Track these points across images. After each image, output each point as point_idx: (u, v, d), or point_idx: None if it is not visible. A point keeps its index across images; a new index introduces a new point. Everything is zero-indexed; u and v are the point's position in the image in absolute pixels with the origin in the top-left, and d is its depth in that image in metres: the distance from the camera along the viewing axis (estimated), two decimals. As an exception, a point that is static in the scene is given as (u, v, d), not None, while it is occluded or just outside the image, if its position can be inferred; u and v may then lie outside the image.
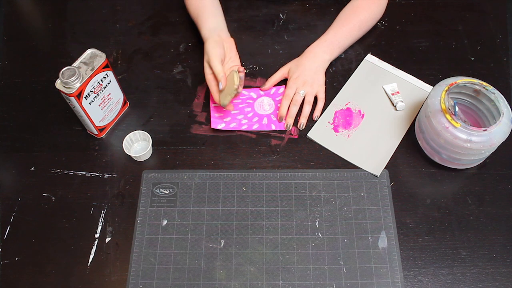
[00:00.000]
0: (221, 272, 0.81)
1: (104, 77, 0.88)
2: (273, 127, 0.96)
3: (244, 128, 0.95)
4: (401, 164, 0.91)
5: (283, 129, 0.95)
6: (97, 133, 0.94)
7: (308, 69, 0.98)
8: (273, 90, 1.01)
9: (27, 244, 0.84)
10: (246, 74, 1.00)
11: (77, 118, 0.91)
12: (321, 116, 0.97)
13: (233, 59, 0.96)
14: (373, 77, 1.02)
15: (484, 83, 0.86)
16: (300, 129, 0.95)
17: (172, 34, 1.10)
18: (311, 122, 0.96)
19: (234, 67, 0.95)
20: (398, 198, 0.87)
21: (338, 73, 1.03)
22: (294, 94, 0.97)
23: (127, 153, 0.91)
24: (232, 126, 0.95)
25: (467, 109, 0.91)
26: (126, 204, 0.88)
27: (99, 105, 0.91)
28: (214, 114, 0.96)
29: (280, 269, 0.81)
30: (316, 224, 0.85)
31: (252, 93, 1.00)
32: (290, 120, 0.95)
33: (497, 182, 0.89)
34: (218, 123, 0.95)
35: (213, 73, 0.91)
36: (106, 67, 0.88)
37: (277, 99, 0.99)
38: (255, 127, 0.95)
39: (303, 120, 0.95)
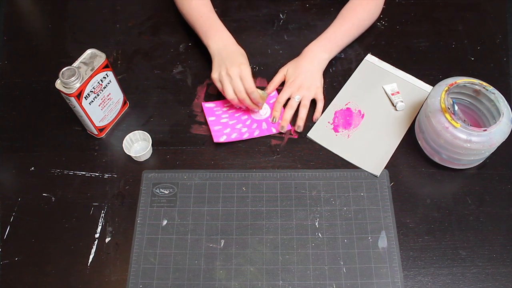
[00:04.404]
0: (221, 272, 0.81)
1: (104, 77, 0.88)
2: (274, 131, 0.95)
3: (245, 137, 0.94)
4: (401, 164, 0.91)
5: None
6: (97, 133, 0.94)
7: (305, 72, 0.97)
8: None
9: (27, 244, 0.84)
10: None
11: (77, 118, 0.91)
12: (321, 116, 0.97)
13: None
14: (373, 77, 1.02)
15: (484, 83, 0.86)
16: (298, 131, 0.95)
17: (172, 34, 1.10)
18: (311, 122, 0.96)
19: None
20: (398, 198, 0.87)
21: (338, 73, 1.03)
22: (289, 99, 0.97)
23: (127, 153, 0.91)
24: (234, 136, 0.93)
25: (467, 109, 0.91)
26: (126, 204, 0.88)
27: (99, 105, 0.91)
28: (213, 128, 0.94)
29: (280, 269, 0.81)
30: (316, 224, 0.85)
31: None
32: (284, 123, 0.95)
33: (497, 182, 0.89)
34: (220, 136, 0.93)
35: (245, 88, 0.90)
36: (106, 67, 0.88)
37: (271, 102, 0.99)
38: (256, 134, 0.94)
39: (300, 123, 0.95)
